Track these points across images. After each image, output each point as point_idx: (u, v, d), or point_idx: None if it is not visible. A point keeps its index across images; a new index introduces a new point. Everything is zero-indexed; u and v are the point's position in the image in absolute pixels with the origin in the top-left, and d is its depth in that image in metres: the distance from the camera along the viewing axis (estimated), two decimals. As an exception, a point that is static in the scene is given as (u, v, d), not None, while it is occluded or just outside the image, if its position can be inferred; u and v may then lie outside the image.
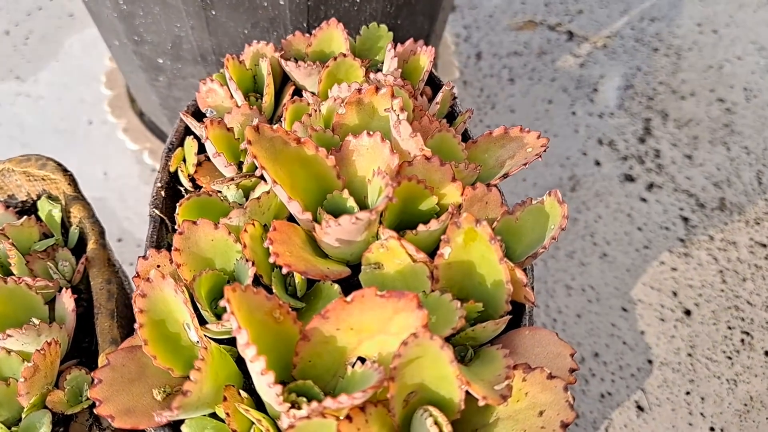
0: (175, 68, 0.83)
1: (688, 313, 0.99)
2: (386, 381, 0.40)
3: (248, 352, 0.38)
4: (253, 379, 0.43)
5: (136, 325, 0.45)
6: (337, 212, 0.50)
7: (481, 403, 0.39)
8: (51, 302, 0.59)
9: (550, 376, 0.42)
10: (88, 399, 0.53)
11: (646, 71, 1.33)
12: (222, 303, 0.39)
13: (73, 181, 0.65)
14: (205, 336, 0.46)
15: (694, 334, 0.97)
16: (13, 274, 0.57)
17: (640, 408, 0.90)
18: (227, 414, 0.43)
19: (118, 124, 1.12)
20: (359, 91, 0.53)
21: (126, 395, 0.45)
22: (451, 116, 0.63)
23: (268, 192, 0.52)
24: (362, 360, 0.43)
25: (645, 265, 1.05)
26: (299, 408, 0.40)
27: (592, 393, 0.91)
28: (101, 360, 0.49)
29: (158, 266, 0.52)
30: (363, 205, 0.51)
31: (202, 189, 0.59)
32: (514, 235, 0.49)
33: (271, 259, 0.45)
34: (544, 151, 0.53)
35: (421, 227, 0.47)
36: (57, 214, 0.63)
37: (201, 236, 0.50)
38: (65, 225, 0.67)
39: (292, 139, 0.49)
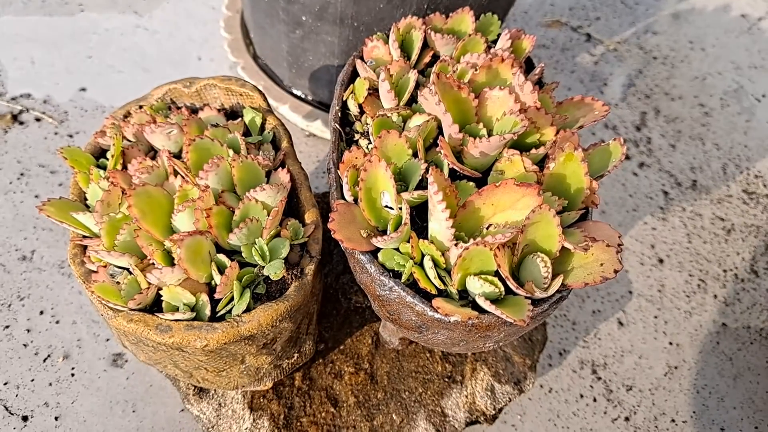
0: (315, 25, 1.08)
1: (661, 261, 1.30)
2: (518, 233, 0.69)
3: (436, 199, 0.66)
4: (433, 223, 0.71)
5: (346, 191, 0.72)
6: (474, 137, 0.77)
7: (573, 250, 0.69)
8: (267, 174, 0.85)
9: (607, 245, 0.71)
10: (303, 236, 0.80)
11: (645, 74, 1.64)
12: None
13: (265, 99, 0.91)
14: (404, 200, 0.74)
15: (664, 277, 1.28)
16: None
17: (620, 323, 1.21)
18: (411, 247, 0.71)
19: (235, 63, 1.36)
20: (491, 59, 0.81)
21: (346, 230, 0.72)
22: (538, 84, 0.91)
23: (427, 121, 0.80)
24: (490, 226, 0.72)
25: (632, 222, 1.36)
26: (465, 241, 0.68)
27: (586, 309, 1.22)
28: (333, 207, 0.75)
29: (356, 157, 0.79)
30: (491, 135, 0.79)
31: (366, 113, 0.86)
32: (590, 163, 0.78)
33: (443, 158, 0.73)
34: (606, 115, 0.81)
35: (533, 151, 0.75)
36: (258, 120, 0.88)
37: (389, 141, 0.77)
38: (261, 129, 0.92)
39: (455, 85, 0.77)
